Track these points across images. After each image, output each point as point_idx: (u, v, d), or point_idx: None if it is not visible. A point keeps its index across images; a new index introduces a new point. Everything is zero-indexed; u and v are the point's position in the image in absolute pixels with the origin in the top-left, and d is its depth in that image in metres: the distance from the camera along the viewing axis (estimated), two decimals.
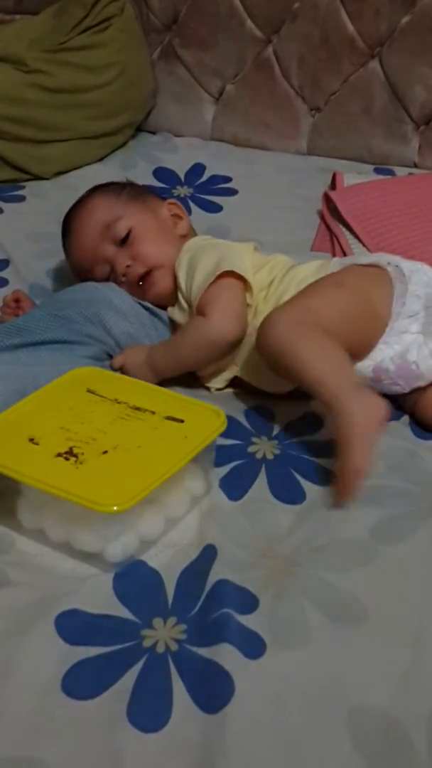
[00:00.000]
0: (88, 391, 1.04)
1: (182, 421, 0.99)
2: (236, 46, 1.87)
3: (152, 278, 1.25)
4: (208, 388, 1.20)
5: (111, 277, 1.27)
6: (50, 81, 1.74)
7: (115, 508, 0.87)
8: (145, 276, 1.26)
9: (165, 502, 0.95)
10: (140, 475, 0.91)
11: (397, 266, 1.17)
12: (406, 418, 1.16)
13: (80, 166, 1.80)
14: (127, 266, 1.26)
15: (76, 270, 1.33)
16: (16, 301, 1.32)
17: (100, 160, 1.84)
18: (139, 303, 1.24)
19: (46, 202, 1.68)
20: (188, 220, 1.36)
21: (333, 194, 1.60)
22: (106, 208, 1.30)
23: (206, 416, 1.01)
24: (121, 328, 1.19)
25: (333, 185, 1.68)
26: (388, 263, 1.18)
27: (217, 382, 1.20)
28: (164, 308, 1.26)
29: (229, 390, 1.21)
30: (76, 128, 1.78)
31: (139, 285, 1.26)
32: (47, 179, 1.76)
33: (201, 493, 1.01)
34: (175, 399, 1.05)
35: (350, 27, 1.78)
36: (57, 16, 1.83)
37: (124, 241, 1.27)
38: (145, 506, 0.92)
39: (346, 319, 1.11)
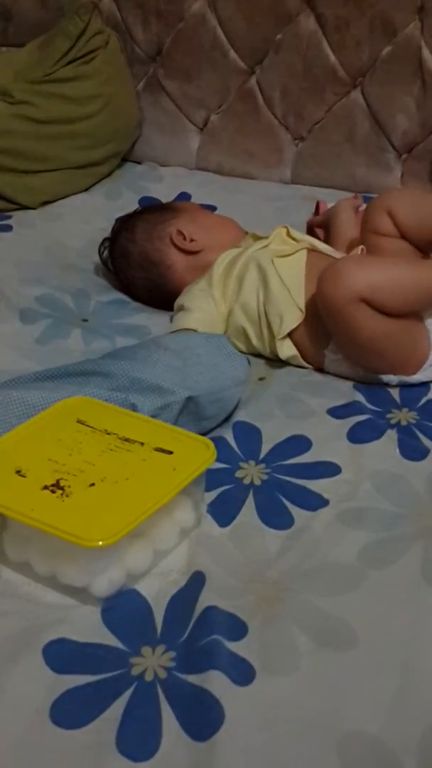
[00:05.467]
0: (78, 421, 1.03)
1: (171, 453, 0.99)
2: (220, 76, 1.90)
3: None
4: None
5: None
6: (36, 112, 1.75)
7: (100, 542, 0.86)
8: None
9: (153, 535, 0.94)
10: (127, 508, 0.90)
11: None
12: (392, 434, 1.16)
13: (66, 196, 1.81)
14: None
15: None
16: None
17: (86, 189, 1.85)
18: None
19: (33, 231, 1.69)
20: None
21: (318, 229, 1.62)
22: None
23: (196, 447, 1.00)
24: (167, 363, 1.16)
25: (317, 214, 1.70)
26: None
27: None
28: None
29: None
30: (62, 159, 1.80)
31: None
32: (34, 209, 1.77)
33: (191, 525, 1.00)
34: (165, 430, 1.04)
35: (332, 57, 1.80)
36: (42, 48, 1.84)
37: None
38: (132, 540, 0.91)
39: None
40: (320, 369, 1.31)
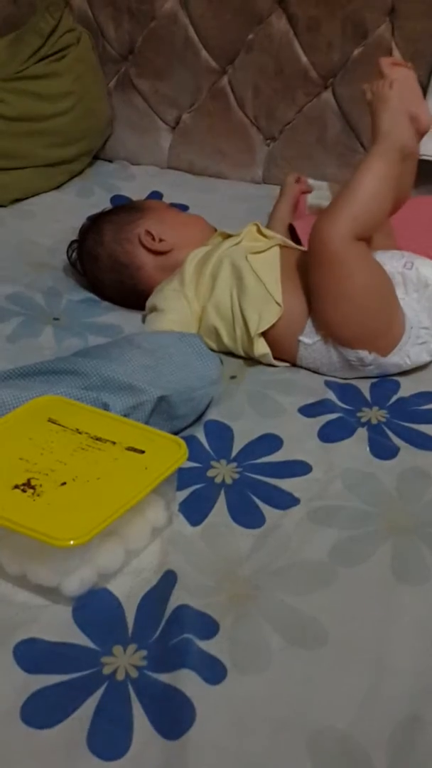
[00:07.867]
0: (50, 420, 1.03)
1: (143, 452, 0.99)
2: (192, 76, 1.90)
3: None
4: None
5: None
6: (7, 109, 1.74)
7: (71, 542, 0.86)
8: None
9: (125, 535, 0.94)
10: (98, 508, 0.90)
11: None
12: (362, 433, 1.17)
13: (38, 194, 1.81)
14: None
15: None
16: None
17: (58, 187, 1.85)
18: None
19: (4, 229, 1.68)
20: None
21: (296, 223, 1.62)
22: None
23: (167, 447, 1.00)
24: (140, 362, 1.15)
25: (295, 209, 1.69)
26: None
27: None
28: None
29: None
30: (33, 156, 1.79)
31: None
32: (4, 206, 1.76)
33: (162, 524, 1.00)
34: (137, 429, 1.04)
35: (304, 58, 1.81)
36: (14, 45, 1.84)
37: None
38: (103, 539, 0.91)
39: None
40: (293, 363, 1.31)
